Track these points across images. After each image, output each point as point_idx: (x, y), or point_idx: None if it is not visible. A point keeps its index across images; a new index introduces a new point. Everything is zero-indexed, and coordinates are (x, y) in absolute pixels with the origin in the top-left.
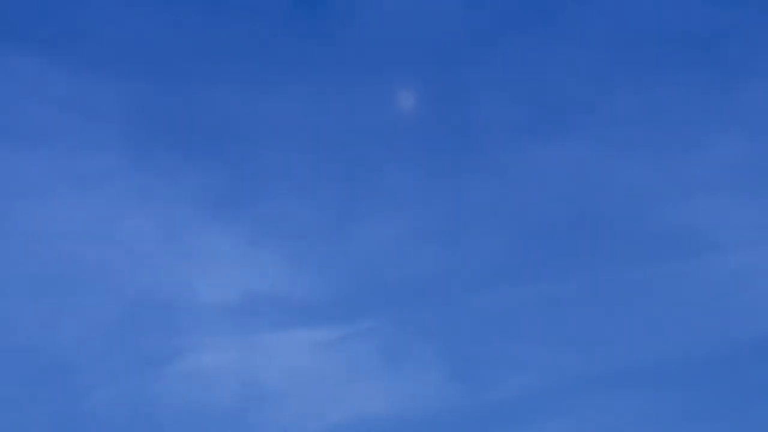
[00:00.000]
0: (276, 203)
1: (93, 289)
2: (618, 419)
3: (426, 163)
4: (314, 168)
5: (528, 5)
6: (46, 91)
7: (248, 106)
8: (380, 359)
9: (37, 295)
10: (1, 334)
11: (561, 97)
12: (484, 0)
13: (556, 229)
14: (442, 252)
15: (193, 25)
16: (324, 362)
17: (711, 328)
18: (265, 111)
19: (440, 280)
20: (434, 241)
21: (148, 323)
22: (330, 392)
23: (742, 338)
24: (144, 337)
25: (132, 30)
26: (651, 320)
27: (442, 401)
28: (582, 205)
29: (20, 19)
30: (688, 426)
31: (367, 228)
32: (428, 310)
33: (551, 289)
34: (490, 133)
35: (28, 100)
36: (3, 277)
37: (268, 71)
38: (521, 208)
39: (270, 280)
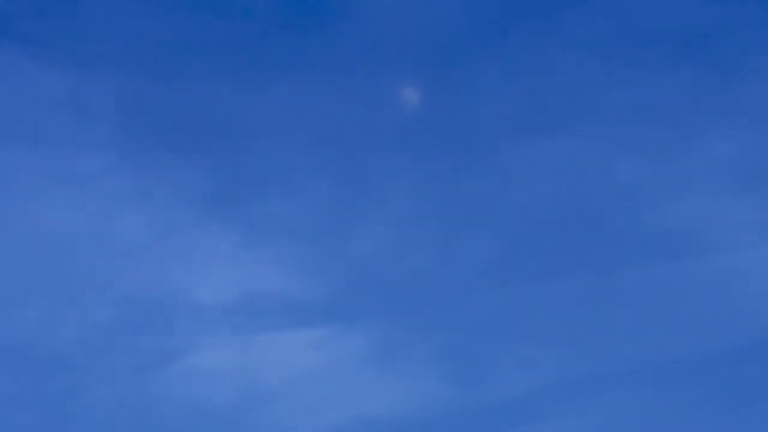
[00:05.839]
0: (273, 202)
1: (88, 289)
2: (618, 419)
3: (424, 161)
4: (311, 167)
5: (527, 4)
6: (38, 90)
7: (244, 104)
8: (378, 359)
9: (31, 294)
10: None
11: (559, 95)
12: None
13: (556, 229)
14: (440, 251)
15: (188, 22)
16: (322, 362)
17: (711, 328)
18: (261, 109)
19: (439, 279)
20: (432, 240)
21: (144, 323)
22: (329, 392)
23: (742, 338)
24: (140, 337)
25: (126, 28)
26: (651, 320)
27: (442, 401)
28: (582, 204)
29: (13, 18)
30: (688, 426)
31: (364, 227)
32: (427, 309)
33: (551, 288)
34: (488, 132)
35: (21, 99)
36: None
37: (263, 68)
38: (520, 207)
39: (267, 279)
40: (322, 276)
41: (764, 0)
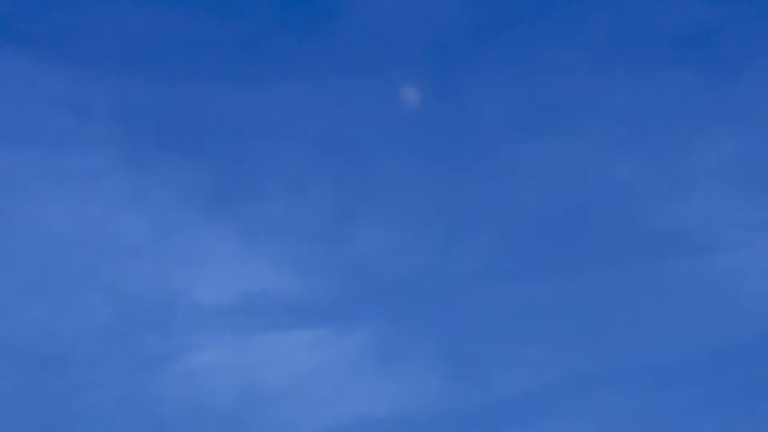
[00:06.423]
0: (273, 202)
1: (88, 289)
2: (618, 419)
3: (423, 161)
4: (310, 167)
5: (527, 4)
6: (38, 90)
7: (242, 104)
8: (378, 359)
9: (30, 294)
10: None
11: (558, 94)
12: None
13: (556, 228)
14: (440, 251)
15: (188, 22)
16: (322, 362)
17: (712, 328)
18: (260, 109)
19: (439, 279)
20: (432, 240)
21: (143, 323)
22: (328, 392)
23: (742, 338)
24: (140, 337)
25: (125, 28)
26: (651, 319)
27: (442, 401)
28: (581, 203)
29: (13, 18)
30: (688, 426)
31: (363, 227)
32: (427, 309)
33: (551, 289)
34: (488, 132)
35: (21, 99)
36: None
37: (262, 68)
38: (520, 207)
39: (267, 280)
40: (321, 276)
41: (764, 0)
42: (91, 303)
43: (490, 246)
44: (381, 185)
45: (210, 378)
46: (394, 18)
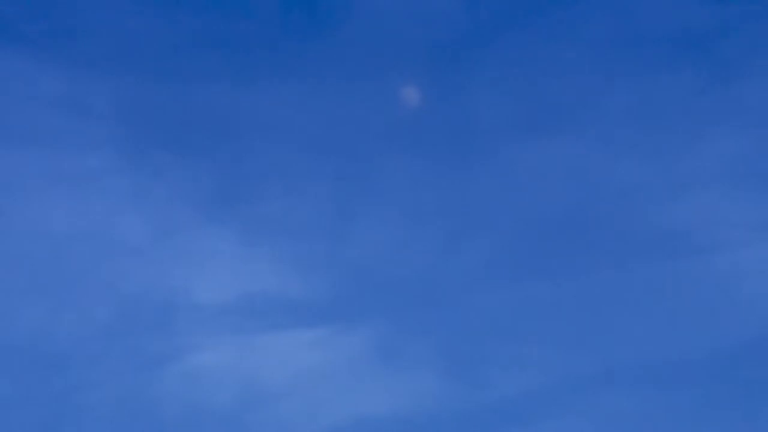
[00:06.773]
0: (272, 202)
1: (87, 289)
2: (618, 419)
3: (423, 161)
4: (311, 167)
5: (527, 4)
6: (38, 90)
7: (243, 104)
8: (378, 359)
9: (30, 294)
10: None
11: (559, 95)
12: None
13: (556, 229)
14: (440, 251)
15: (188, 22)
16: (322, 362)
17: (711, 327)
18: (260, 109)
19: (439, 279)
20: (432, 240)
21: (143, 323)
22: (328, 392)
23: (742, 337)
24: (140, 337)
25: (125, 28)
26: (651, 319)
27: (442, 401)
28: (581, 204)
29: (13, 18)
30: (688, 426)
31: (364, 227)
32: (427, 309)
33: (551, 289)
34: (489, 132)
35: (21, 99)
36: None
37: (262, 69)
38: (520, 208)
39: (267, 280)
40: (321, 276)
41: (764, 0)
42: (91, 303)
43: (490, 246)
44: (381, 185)
45: (210, 378)
46: (395, 19)
